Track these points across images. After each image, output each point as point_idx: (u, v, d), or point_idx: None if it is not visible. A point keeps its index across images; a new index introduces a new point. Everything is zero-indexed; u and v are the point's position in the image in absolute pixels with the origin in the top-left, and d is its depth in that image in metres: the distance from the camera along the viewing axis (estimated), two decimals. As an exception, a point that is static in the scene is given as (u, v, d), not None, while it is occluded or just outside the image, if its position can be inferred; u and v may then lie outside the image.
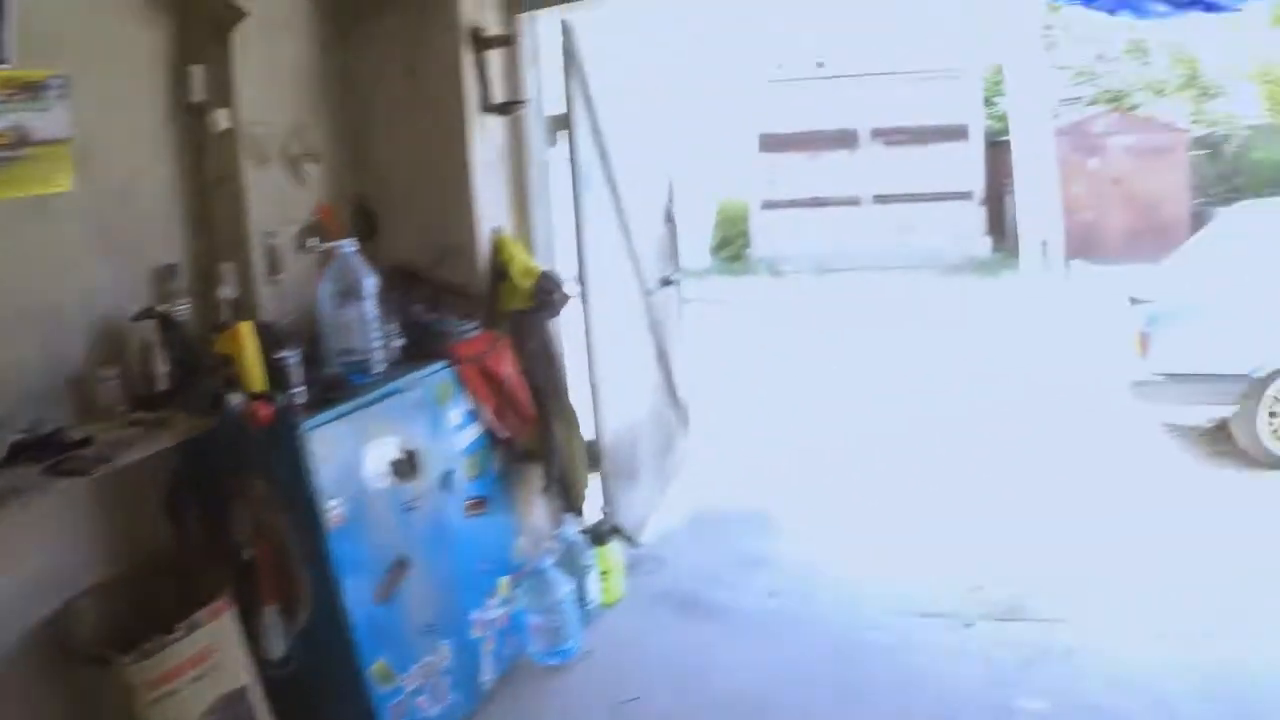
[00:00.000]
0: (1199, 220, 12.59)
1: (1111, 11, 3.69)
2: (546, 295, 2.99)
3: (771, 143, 12.81)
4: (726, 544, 3.92)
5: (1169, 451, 5.09)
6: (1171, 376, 4.84)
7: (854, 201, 12.59)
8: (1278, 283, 4.75)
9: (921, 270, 11.14)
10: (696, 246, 12.44)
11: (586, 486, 3.35)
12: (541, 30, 3.43)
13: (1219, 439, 5.00)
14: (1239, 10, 5.00)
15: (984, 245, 11.86)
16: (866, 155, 12.46)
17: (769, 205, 12.99)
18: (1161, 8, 3.51)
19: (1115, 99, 16.08)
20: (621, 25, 4.06)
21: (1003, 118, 14.16)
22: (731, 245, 13.89)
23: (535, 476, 3.19)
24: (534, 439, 3.08)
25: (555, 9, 3.35)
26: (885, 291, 10.35)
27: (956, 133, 11.76)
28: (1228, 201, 12.53)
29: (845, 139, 12.53)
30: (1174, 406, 5.05)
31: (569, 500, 3.26)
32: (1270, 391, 4.74)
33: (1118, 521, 3.98)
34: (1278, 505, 4.28)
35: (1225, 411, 4.82)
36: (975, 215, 11.84)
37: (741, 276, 12.04)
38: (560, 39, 3.35)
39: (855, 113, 12.50)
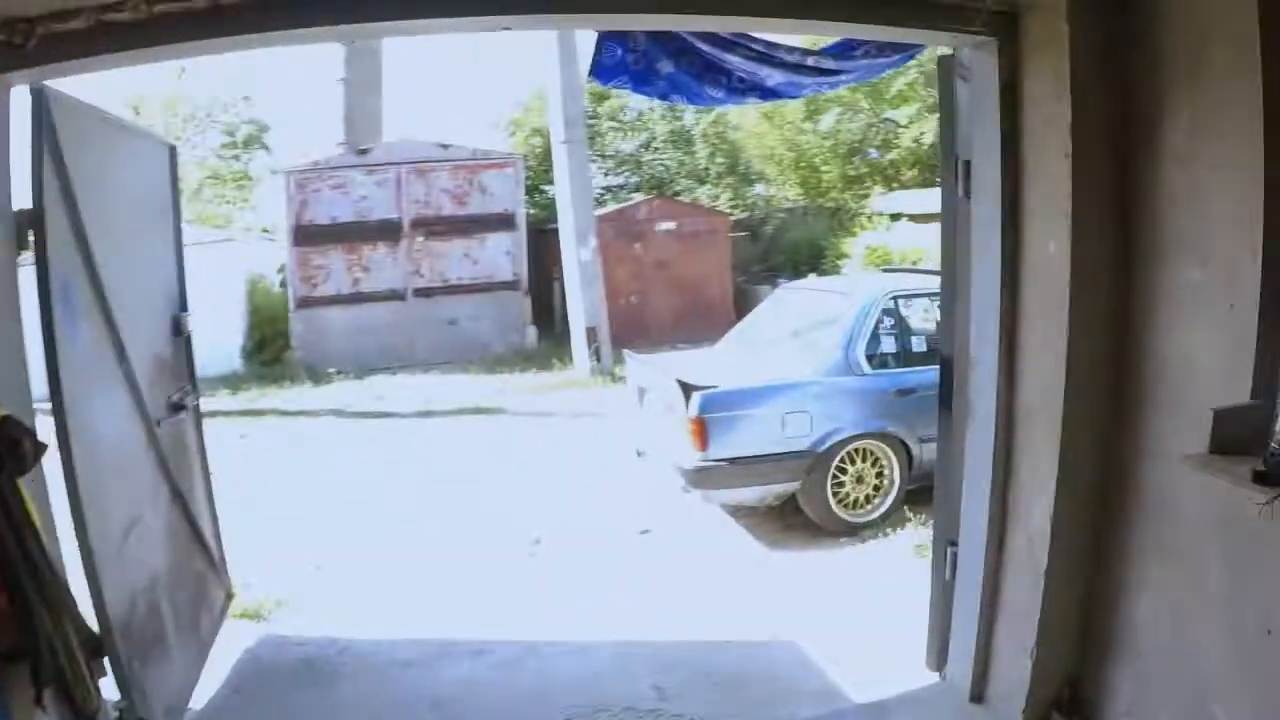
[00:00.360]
0: (743, 299, 14.38)
1: (664, 97, 3.73)
2: (11, 447, 2.26)
3: (307, 235, 11.96)
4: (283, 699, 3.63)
5: (731, 534, 5.59)
6: (732, 461, 5.19)
7: (398, 296, 12.23)
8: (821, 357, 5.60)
9: (469, 364, 11.20)
10: (229, 351, 11.21)
11: (96, 680, 2.64)
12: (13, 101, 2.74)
13: (787, 514, 5.58)
14: (795, 97, 5.38)
15: (530, 335, 12.23)
16: (409, 247, 12.23)
17: (305, 303, 12.07)
18: (717, 94, 3.61)
19: (658, 186, 17.45)
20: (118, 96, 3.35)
21: (548, 205, 14.73)
22: (270, 347, 12.64)
23: (23, 683, 2.40)
24: (12, 635, 2.35)
25: (26, 72, 2.64)
26: (427, 391, 10.44)
27: (501, 221, 12.08)
28: (767, 281, 14.30)
29: (387, 230, 12.17)
30: (735, 490, 5.41)
31: (75, 705, 2.49)
32: (834, 464, 5.35)
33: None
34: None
35: (790, 487, 5.34)
36: (521, 305, 12.21)
37: (282, 382, 10.97)
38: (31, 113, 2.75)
39: (397, 203, 12.22)
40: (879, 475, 5.62)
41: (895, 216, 18.07)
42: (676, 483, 5.57)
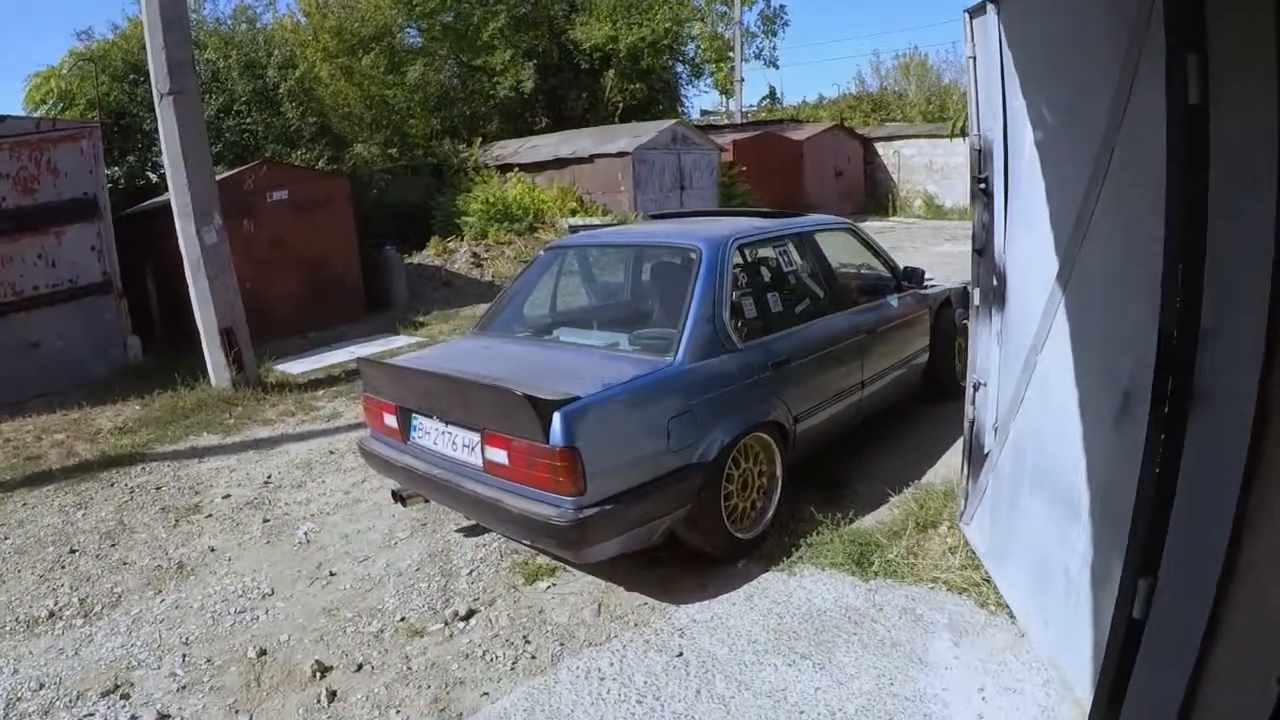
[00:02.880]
0: (371, 273, 12.13)
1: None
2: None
3: None
4: None
5: (593, 591, 3.80)
6: (618, 500, 3.53)
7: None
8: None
9: (63, 397, 7.85)
10: None
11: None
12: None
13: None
14: None
15: (135, 348, 9.04)
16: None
17: None
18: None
19: (244, 154, 14.63)
20: None
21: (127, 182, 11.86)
22: None
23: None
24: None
25: None
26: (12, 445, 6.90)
27: (81, 209, 8.59)
28: (377, 248, 12.33)
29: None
30: (622, 539, 3.71)
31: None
32: (724, 472, 4.19)
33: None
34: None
35: (678, 516, 3.94)
36: (117, 312, 8.90)
37: None
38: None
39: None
40: (760, 474, 4.37)
41: (505, 168, 17.53)
42: (512, 555, 3.82)
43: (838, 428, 4.90)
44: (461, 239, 14.71)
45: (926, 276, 5.98)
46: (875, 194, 23.89)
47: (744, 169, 19.36)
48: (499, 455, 3.54)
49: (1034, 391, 3.11)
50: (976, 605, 3.55)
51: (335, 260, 11.38)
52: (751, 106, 32.32)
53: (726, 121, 28.84)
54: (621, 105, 22.86)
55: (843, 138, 23.65)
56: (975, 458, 3.77)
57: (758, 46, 31.53)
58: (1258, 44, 1.89)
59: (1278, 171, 1.88)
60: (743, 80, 29.42)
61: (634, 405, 3.59)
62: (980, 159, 3.53)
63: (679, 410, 3.69)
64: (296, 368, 8.82)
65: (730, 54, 29.24)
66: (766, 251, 4.73)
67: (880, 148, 24.27)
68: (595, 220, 13.93)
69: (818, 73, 69.01)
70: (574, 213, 15.81)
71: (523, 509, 3.44)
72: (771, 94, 34.78)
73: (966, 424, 3.84)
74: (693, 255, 4.24)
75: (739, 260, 4.41)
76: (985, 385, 3.62)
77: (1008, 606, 3.45)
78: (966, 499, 3.87)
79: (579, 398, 3.38)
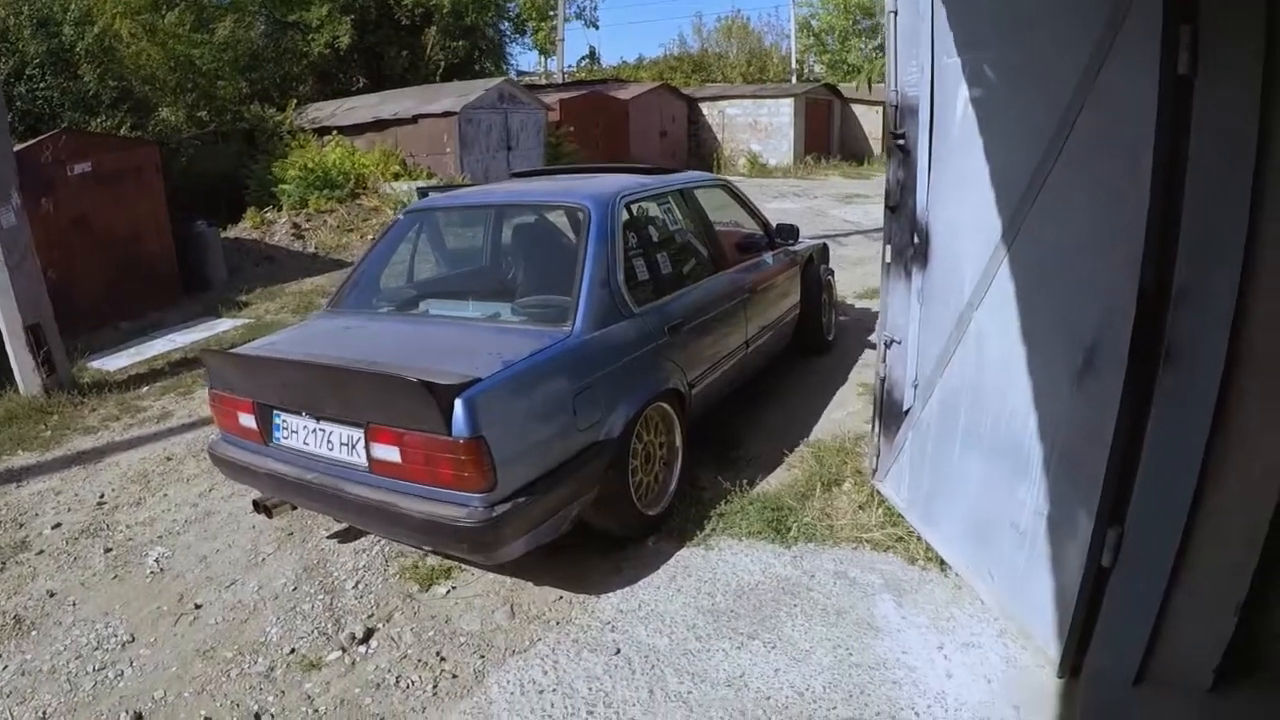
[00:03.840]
0: (184, 249, 10.83)
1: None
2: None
3: None
4: None
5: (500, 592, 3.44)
6: (531, 490, 3.16)
7: None
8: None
9: None
10: None
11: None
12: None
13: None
14: None
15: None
16: None
17: None
18: None
19: (38, 122, 12.72)
20: None
21: None
22: None
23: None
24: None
25: None
26: None
27: None
28: (187, 222, 11.06)
29: None
30: (534, 536, 3.34)
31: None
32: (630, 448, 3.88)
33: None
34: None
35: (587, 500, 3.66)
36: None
37: None
38: None
39: None
40: (661, 445, 4.07)
41: (323, 131, 16.27)
42: (398, 559, 3.35)
43: (728, 389, 4.70)
44: (280, 209, 13.56)
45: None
46: (700, 153, 24.01)
47: (571, 129, 18.92)
48: (389, 453, 3.08)
49: (967, 349, 2.98)
50: (905, 561, 3.44)
51: (147, 239, 10.12)
52: (571, 67, 31.79)
53: (546, 82, 28.20)
54: (443, 64, 21.76)
55: (668, 97, 23.58)
56: (889, 415, 3.65)
57: (578, 6, 31.00)
58: (1248, 16, 1.94)
59: (1257, 139, 1.91)
60: (563, 40, 28.82)
61: (539, 383, 3.19)
62: (898, 115, 3.34)
63: (584, 385, 3.33)
64: (114, 364, 7.75)
65: (552, 12, 28.52)
66: (653, 209, 4.42)
67: (705, 107, 24.40)
68: (445, 183, 13.13)
69: (637, 34, 69.00)
70: (397, 176, 14.88)
71: (424, 512, 2.99)
72: (591, 54, 34.37)
73: (877, 381, 3.71)
74: (580, 214, 3.86)
75: (627, 218, 4.08)
76: (900, 343, 3.49)
77: (938, 560, 3.36)
78: (879, 456, 3.76)
79: (480, 379, 2.95)
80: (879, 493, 3.82)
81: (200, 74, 15.90)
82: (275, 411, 3.47)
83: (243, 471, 3.66)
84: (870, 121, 25.87)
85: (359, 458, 3.18)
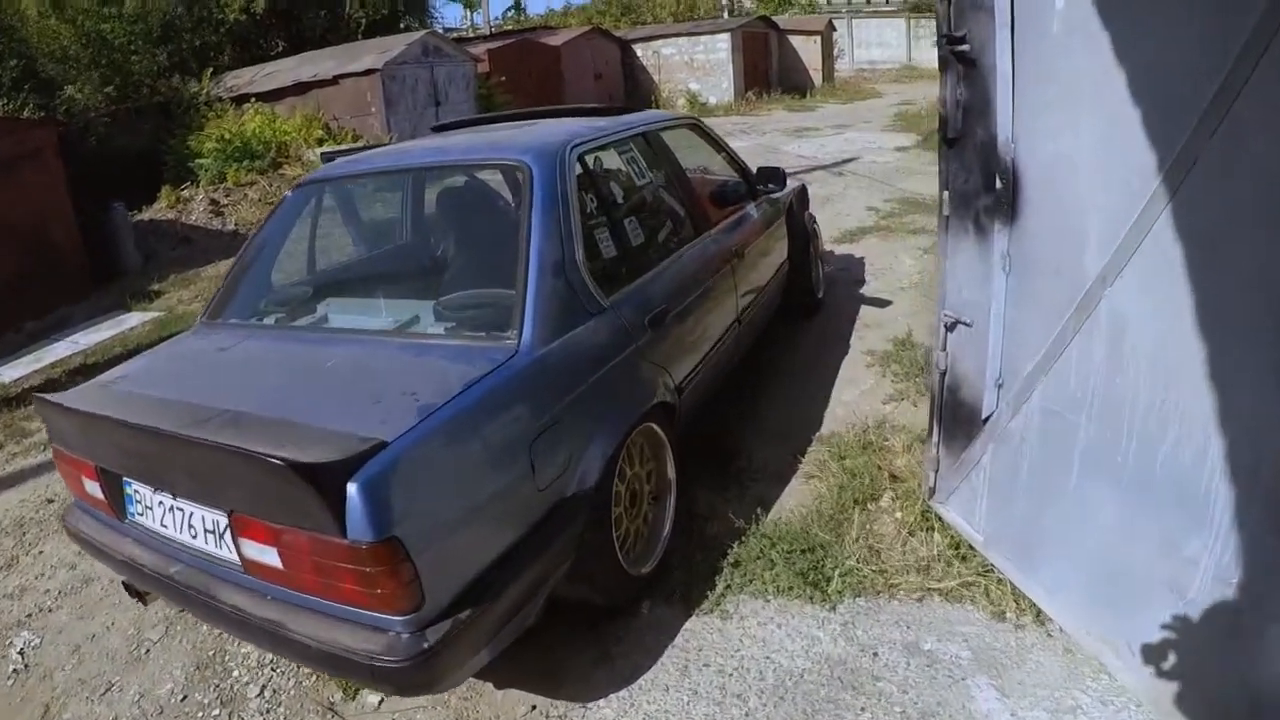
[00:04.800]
0: (95, 237, 9.42)
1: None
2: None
3: None
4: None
5: None
6: (475, 596, 2.11)
7: None
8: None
9: None
10: None
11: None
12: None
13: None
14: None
15: None
16: None
17: None
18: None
19: None
20: None
21: None
22: None
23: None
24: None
25: None
26: None
27: None
28: (101, 208, 9.69)
29: None
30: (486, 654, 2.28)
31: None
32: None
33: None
34: None
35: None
36: None
37: None
38: None
39: None
40: (650, 476, 3.06)
41: (242, 100, 14.84)
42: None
43: (720, 381, 3.72)
44: (197, 185, 12.25)
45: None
46: (637, 95, 22.60)
47: (502, 78, 17.55)
48: (264, 553, 2.03)
49: (1093, 341, 2.01)
50: (991, 617, 2.51)
51: (50, 227, 8.77)
52: (498, 19, 30.10)
53: (474, 35, 26.44)
54: (365, 21, 20.09)
55: (600, 41, 22.09)
56: (954, 420, 2.69)
57: (500, -46, 29.19)
58: None
59: None
60: (487, -11, 27.03)
61: (476, 435, 2.13)
62: (953, 10, 2.33)
63: (542, 426, 2.29)
64: (9, 373, 6.49)
65: (473, -38, 26.71)
66: (613, 161, 3.36)
67: (639, 49, 22.97)
68: (349, 146, 11.83)
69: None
70: (321, 141, 13.58)
71: (324, 641, 1.97)
72: (517, 4, 32.60)
73: (936, 375, 2.74)
74: (520, 174, 2.77)
75: (582, 175, 3.01)
76: (969, 325, 2.52)
77: (1032, 609, 2.46)
78: (938, 471, 2.81)
79: (385, 444, 1.92)
80: (935, 514, 2.90)
81: (112, 49, 14.38)
82: (125, 479, 2.41)
83: (99, 552, 2.58)
84: (809, 51, 24.71)
85: (228, 552, 2.14)
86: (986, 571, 2.64)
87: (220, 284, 3.31)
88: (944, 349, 2.68)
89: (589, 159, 3.08)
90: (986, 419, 2.49)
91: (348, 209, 3.83)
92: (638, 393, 2.75)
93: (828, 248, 6.82)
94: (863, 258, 6.65)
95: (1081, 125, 1.98)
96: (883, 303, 5.53)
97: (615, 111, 3.75)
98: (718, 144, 4.41)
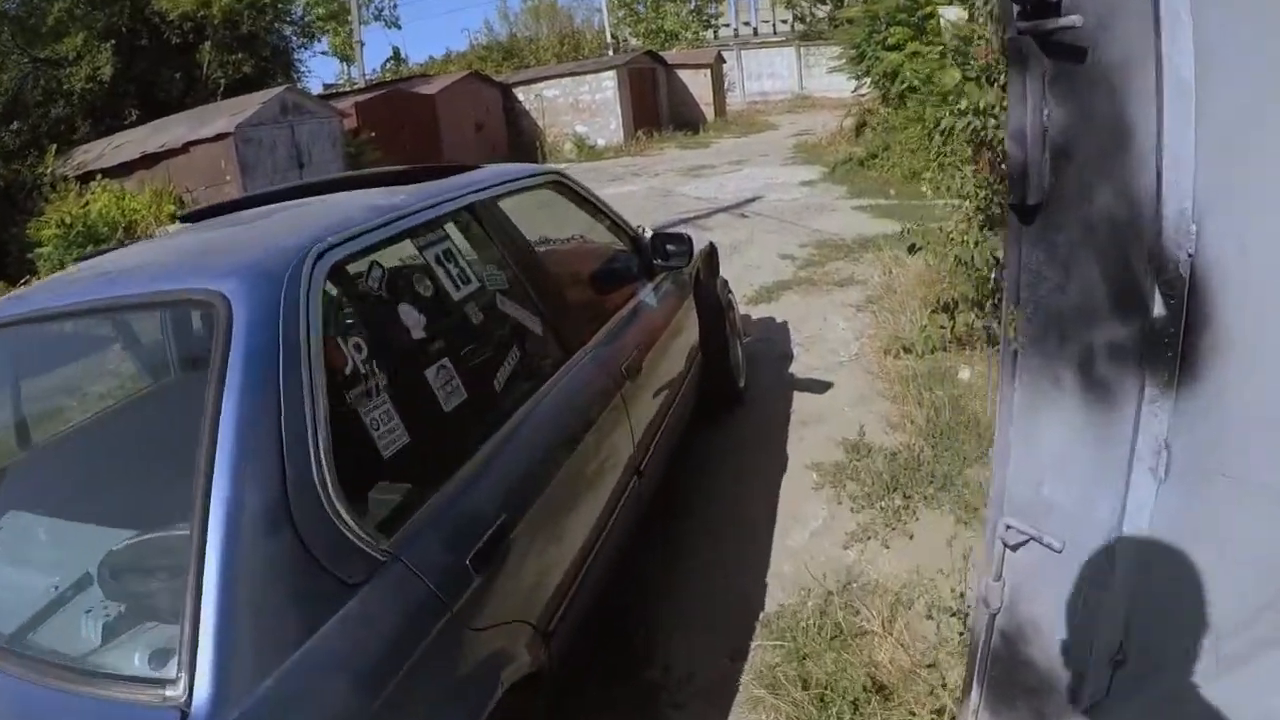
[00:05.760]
0: None
1: None
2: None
3: None
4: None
5: None
6: None
7: None
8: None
9: None
10: None
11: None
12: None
13: None
14: None
15: None
16: None
17: None
18: None
19: None
20: None
21: None
22: None
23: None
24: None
25: None
26: None
27: None
28: None
29: None
30: None
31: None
32: None
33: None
34: None
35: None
36: None
37: None
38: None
39: None
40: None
41: (86, 178, 13.20)
42: None
43: (613, 570, 2.44)
44: (37, 276, 10.60)
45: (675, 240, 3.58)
46: (520, 143, 21.32)
47: (372, 134, 16.14)
48: None
49: None
50: None
51: None
52: (375, 71, 28.68)
53: (350, 88, 24.89)
54: (224, 82, 18.45)
55: (480, 86, 20.84)
56: (1010, 684, 1.48)
57: (376, 6, 27.86)
58: None
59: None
60: (362, 43, 25.49)
61: None
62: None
63: None
64: None
65: (348, 15, 25.20)
66: (408, 265, 2.07)
67: (520, 93, 21.81)
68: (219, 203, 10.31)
69: (444, 31, 65.29)
70: (173, 218, 11.99)
71: None
72: (396, 55, 31.23)
73: (981, 611, 1.51)
74: (207, 316, 1.48)
75: (342, 299, 1.71)
76: (1058, 550, 1.31)
77: None
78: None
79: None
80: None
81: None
82: None
83: None
84: (699, 85, 24.06)
85: None
86: None
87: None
88: (999, 578, 1.46)
89: (356, 268, 1.76)
90: (1073, 696, 1.27)
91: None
92: (471, 693, 1.46)
93: (742, 311, 5.66)
94: (785, 321, 5.52)
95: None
96: (821, 385, 4.37)
97: (438, 173, 2.46)
98: (594, 205, 3.17)
